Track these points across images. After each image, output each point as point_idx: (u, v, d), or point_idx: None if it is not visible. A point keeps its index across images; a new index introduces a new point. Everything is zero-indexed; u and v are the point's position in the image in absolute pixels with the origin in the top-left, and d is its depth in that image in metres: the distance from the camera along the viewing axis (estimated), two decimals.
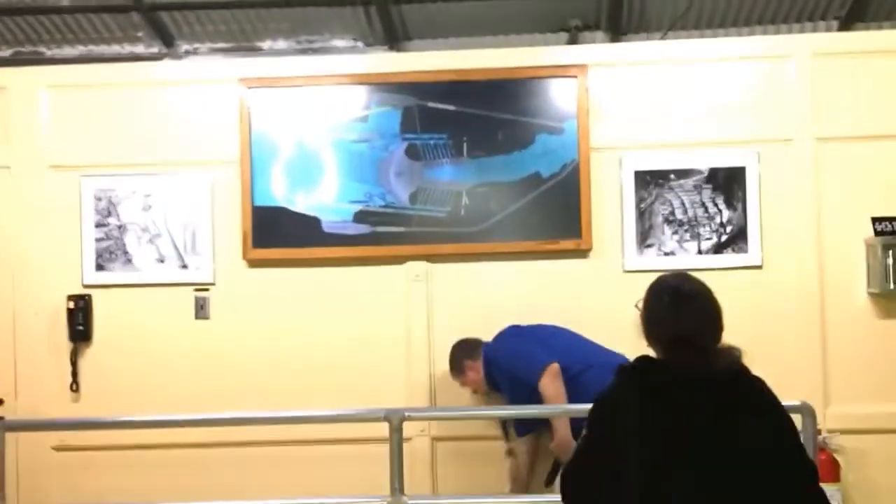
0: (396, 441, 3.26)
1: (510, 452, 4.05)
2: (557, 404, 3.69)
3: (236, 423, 3.86)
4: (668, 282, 2.25)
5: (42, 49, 5.43)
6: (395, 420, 3.27)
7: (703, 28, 5.35)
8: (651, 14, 5.27)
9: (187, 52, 5.54)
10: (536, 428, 3.96)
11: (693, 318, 2.15)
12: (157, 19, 5.26)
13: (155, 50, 5.55)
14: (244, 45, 5.49)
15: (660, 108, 4.33)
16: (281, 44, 5.53)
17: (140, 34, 5.43)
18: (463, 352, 4.07)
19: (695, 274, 2.30)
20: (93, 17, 5.21)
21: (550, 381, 3.70)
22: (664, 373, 2.13)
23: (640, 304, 2.24)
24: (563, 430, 3.69)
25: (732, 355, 2.14)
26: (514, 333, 4.03)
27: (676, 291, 2.20)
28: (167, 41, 5.47)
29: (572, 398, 3.65)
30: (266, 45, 5.52)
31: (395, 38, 5.46)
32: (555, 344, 3.89)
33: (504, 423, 4.10)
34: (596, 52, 4.47)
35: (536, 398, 3.74)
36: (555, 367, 3.73)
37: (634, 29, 5.42)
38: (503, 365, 3.90)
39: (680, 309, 2.17)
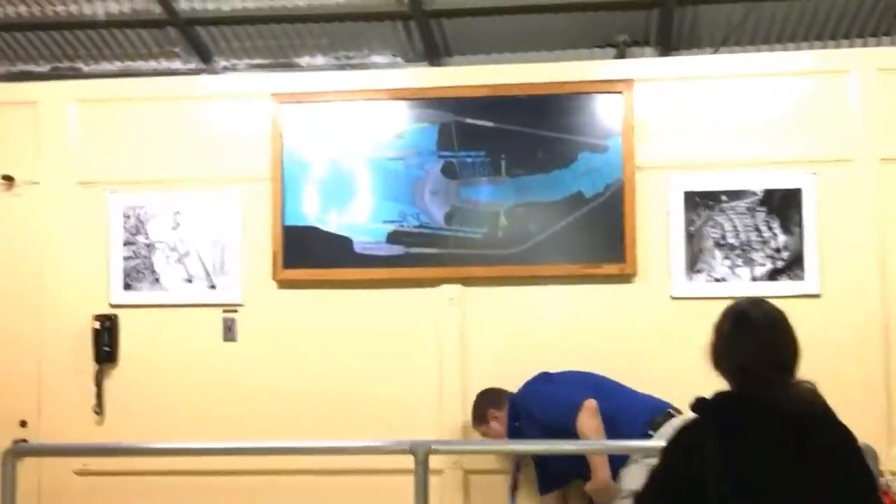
0: (422, 474, 3.06)
1: (515, 488, 3.87)
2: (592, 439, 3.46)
3: (258, 453, 3.68)
4: (737, 307, 2.12)
5: (80, 65, 5.35)
6: (421, 453, 3.06)
7: (759, 43, 5.09)
8: (703, 29, 5.03)
9: (225, 69, 5.43)
10: (564, 484, 3.76)
11: (757, 347, 2.02)
12: (194, 35, 5.16)
13: (192, 66, 5.44)
14: (282, 60, 5.37)
15: (710, 126, 4.10)
16: (319, 59, 5.39)
17: (177, 50, 5.34)
18: (488, 400, 3.86)
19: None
20: (129, 33, 5.13)
21: (589, 418, 3.49)
22: (742, 407, 2.00)
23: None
24: (601, 471, 3.45)
25: (810, 390, 2.00)
26: (544, 380, 3.81)
27: (741, 317, 2.08)
28: (205, 57, 5.37)
29: (612, 437, 3.46)
30: (304, 60, 5.39)
31: (435, 54, 5.29)
32: (586, 383, 3.69)
33: (517, 465, 3.90)
34: (642, 67, 4.25)
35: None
36: (592, 403, 3.51)
37: (685, 45, 5.18)
38: (536, 414, 3.67)
39: (743, 336, 2.05)
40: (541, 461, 3.81)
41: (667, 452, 2.09)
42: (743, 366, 2.02)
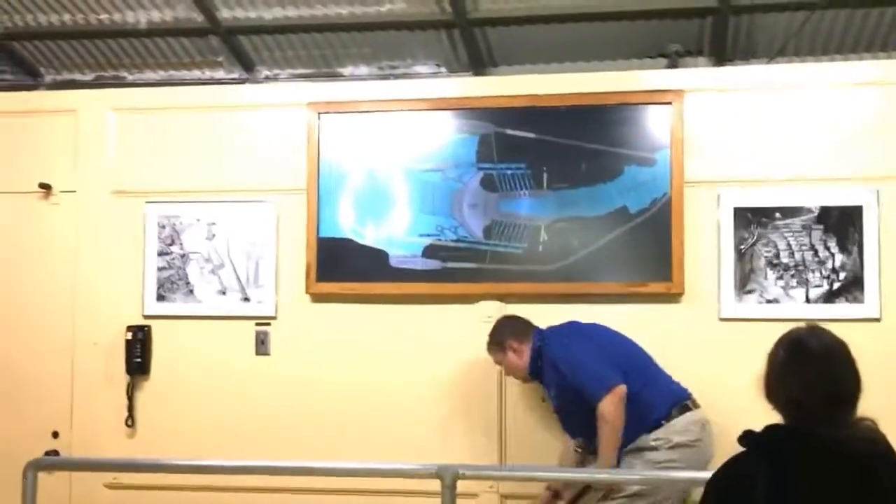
0: (449, 500, 2.89)
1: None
2: (614, 427, 3.38)
3: (284, 473, 3.56)
4: (792, 334, 1.94)
5: (123, 73, 5.35)
6: (448, 477, 2.90)
7: (818, 54, 4.86)
8: (758, 38, 4.82)
9: (267, 78, 5.38)
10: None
11: (814, 379, 1.85)
12: (237, 44, 5.11)
13: (235, 75, 5.41)
14: (325, 70, 5.30)
15: (764, 139, 3.88)
16: (362, 69, 5.31)
17: (220, 59, 5.30)
18: (510, 329, 3.68)
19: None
20: (172, 41, 5.11)
21: (614, 405, 3.37)
22: (796, 444, 1.83)
23: None
24: (608, 458, 3.39)
25: (871, 427, 1.84)
26: (575, 332, 3.65)
27: (797, 346, 1.91)
28: (247, 66, 5.32)
29: (627, 416, 3.39)
30: (347, 70, 5.32)
31: (480, 64, 5.17)
32: (618, 356, 3.55)
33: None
34: (693, 77, 4.05)
35: (585, 408, 3.44)
36: (622, 390, 3.39)
37: (740, 55, 4.98)
38: (563, 370, 3.52)
39: (798, 367, 1.88)
40: (561, 410, 3.68)
41: (712, 490, 1.93)
42: (798, 399, 1.85)
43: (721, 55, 4.94)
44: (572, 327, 3.68)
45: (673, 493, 3.42)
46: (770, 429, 1.88)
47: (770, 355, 1.95)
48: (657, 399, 3.47)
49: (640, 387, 3.45)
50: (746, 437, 1.89)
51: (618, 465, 3.40)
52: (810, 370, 1.86)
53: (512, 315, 3.77)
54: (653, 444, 3.42)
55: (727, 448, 2.03)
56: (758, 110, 3.91)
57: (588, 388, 3.43)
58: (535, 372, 3.63)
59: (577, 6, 4.69)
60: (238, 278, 4.15)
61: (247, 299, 4.14)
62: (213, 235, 4.17)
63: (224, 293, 4.15)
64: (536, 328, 3.67)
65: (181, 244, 4.19)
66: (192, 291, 4.18)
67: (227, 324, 4.15)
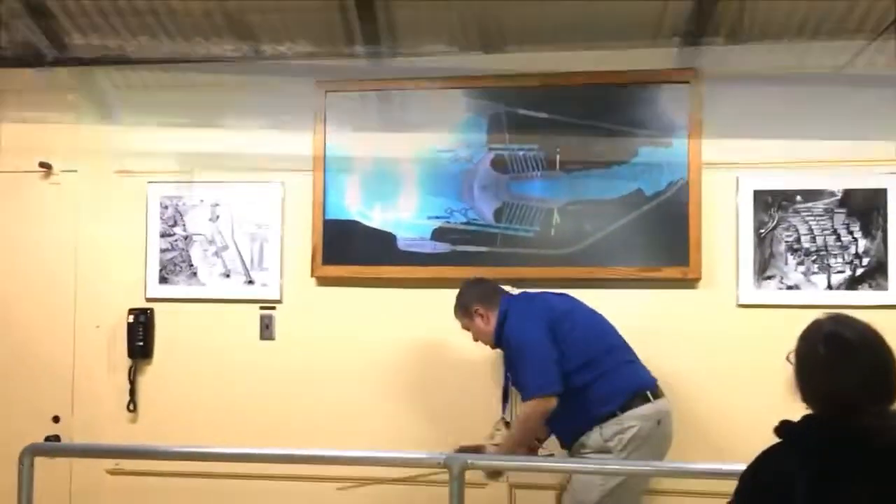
0: (457, 490, 2.78)
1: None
2: (526, 428, 3.32)
3: (289, 461, 3.43)
4: (826, 327, 1.85)
5: (128, 48, 5.21)
6: (456, 467, 2.78)
7: (842, 35, 4.69)
8: (775, 19, 4.66)
9: (272, 56, 5.24)
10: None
11: (858, 373, 1.78)
12: (240, 17, 4.97)
13: (241, 53, 5.27)
14: (328, 49, 5.16)
15: (785, 121, 3.73)
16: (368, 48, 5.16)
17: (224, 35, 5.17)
18: (476, 293, 3.50)
19: (825, 313, 1.93)
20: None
21: (536, 413, 3.23)
22: (836, 438, 1.75)
23: (792, 357, 1.88)
24: (509, 448, 3.35)
25: None
26: (539, 309, 3.40)
27: (836, 340, 1.81)
28: (253, 41, 5.18)
29: (572, 406, 3.22)
30: (353, 49, 5.18)
31: (490, 44, 5.01)
32: (577, 345, 3.31)
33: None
34: (712, 56, 3.87)
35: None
36: (551, 403, 3.19)
37: (757, 37, 4.81)
38: (511, 349, 3.38)
39: (841, 362, 1.80)
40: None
41: (748, 482, 1.84)
42: (845, 393, 1.77)
43: (736, 37, 4.78)
44: (537, 302, 3.45)
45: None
46: (809, 421, 1.80)
47: (804, 352, 1.85)
48: (612, 390, 3.24)
49: (594, 377, 3.25)
50: (783, 428, 1.79)
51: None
52: (856, 363, 1.76)
53: (480, 278, 3.58)
54: (604, 444, 3.21)
55: (750, 438, 1.90)
56: (779, 91, 3.75)
57: (521, 381, 3.31)
58: (498, 341, 3.44)
59: None
60: (242, 261, 4.03)
61: (251, 282, 4.03)
62: (217, 217, 4.06)
63: (228, 276, 4.04)
64: (506, 294, 3.51)
65: (184, 225, 4.07)
66: (195, 274, 4.06)
67: (231, 307, 4.04)
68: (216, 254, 4.04)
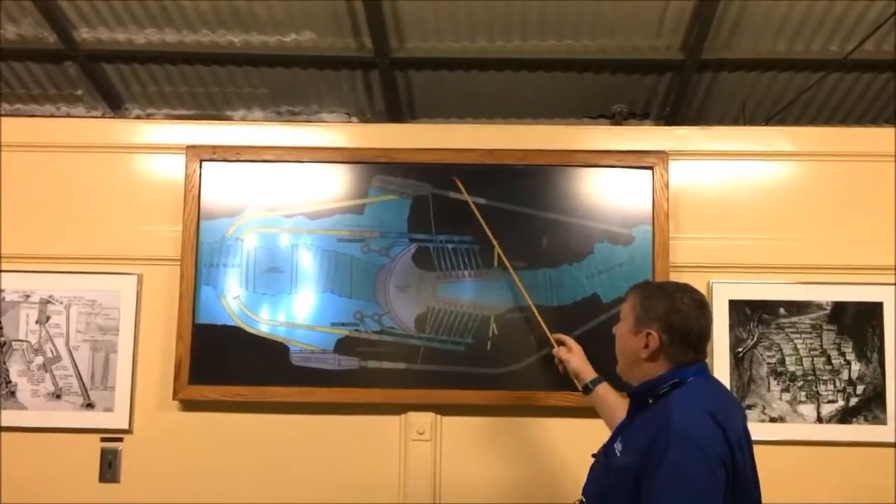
0: None
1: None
2: None
3: None
4: None
5: None
6: None
7: (803, 120, 4.06)
8: (721, 100, 3.97)
9: (139, 118, 4.14)
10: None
11: None
12: (99, 73, 3.86)
13: (98, 113, 4.14)
14: (210, 112, 4.12)
15: (766, 217, 2.97)
16: (257, 114, 4.16)
17: (79, 92, 4.03)
18: (675, 322, 2.00)
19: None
20: (16, 66, 3.80)
21: None
22: None
23: None
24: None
25: None
26: (716, 438, 1.85)
27: None
28: (113, 103, 4.07)
29: None
30: (238, 114, 4.15)
31: (398, 115, 4.10)
32: None
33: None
34: (681, 137, 3.06)
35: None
36: None
37: (693, 119, 4.12)
38: (652, 455, 1.83)
39: None
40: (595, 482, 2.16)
41: None
42: None
43: (673, 118, 4.07)
44: (719, 414, 1.89)
45: None
46: None
47: None
48: None
49: None
50: None
51: None
52: None
53: (699, 301, 2.05)
54: None
55: None
56: (758, 181, 2.99)
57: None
58: (638, 396, 2.05)
59: (521, 51, 3.71)
60: (79, 377, 2.88)
61: (90, 405, 2.87)
62: (48, 318, 2.89)
63: (58, 397, 2.87)
64: (701, 361, 2.06)
65: (0, 328, 2.87)
66: (13, 393, 2.87)
67: (60, 439, 2.87)
68: (44, 367, 2.87)
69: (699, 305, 2.02)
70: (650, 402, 1.96)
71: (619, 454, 1.94)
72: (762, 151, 2.99)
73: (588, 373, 2.51)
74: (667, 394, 1.93)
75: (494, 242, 2.85)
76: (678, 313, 1.99)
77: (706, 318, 2.03)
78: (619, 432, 2.04)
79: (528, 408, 2.84)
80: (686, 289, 2.07)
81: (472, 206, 2.85)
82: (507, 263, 2.83)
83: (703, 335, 2.01)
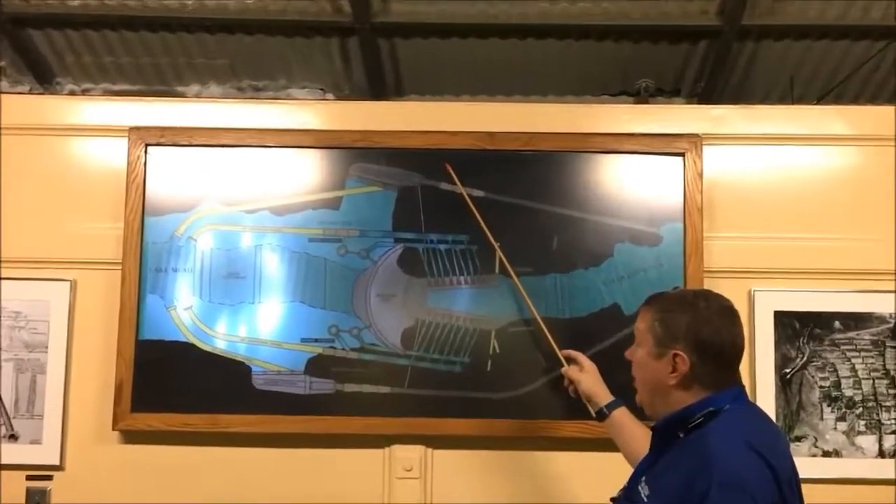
0: None
1: None
2: None
3: None
4: None
5: None
6: None
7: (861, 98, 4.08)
8: (762, 75, 3.98)
9: (73, 93, 4.14)
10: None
11: None
12: (25, 40, 3.86)
13: (24, 88, 4.15)
14: (157, 88, 4.11)
15: (818, 213, 3.00)
16: (213, 90, 4.15)
17: (1, 63, 4.03)
18: (703, 340, 1.97)
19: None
20: None
21: None
22: None
23: None
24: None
25: None
26: (763, 475, 1.83)
27: None
28: (42, 77, 4.08)
29: None
30: (191, 89, 4.15)
31: (381, 91, 4.10)
32: None
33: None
34: (717, 118, 3.08)
35: None
36: None
37: (731, 96, 4.14)
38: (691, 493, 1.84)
39: None
40: None
41: None
42: None
43: (708, 95, 4.08)
44: (768, 452, 1.87)
45: None
46: None
47: None
48: None
49: None
50: None
51: None
52: None
53: (727, 308, 2.05)
54: None
55: None
56: (808, 170, 3.02)
57: None
58: (664, 431, 2.02)
59: (527, 15, 3.71)
60: (1, 404, 2.87)
61: (13, 437, 2.90)
62: None
63: None
64: (738, 384, 2.04)
65: None
66: None
67: None
68: None
69: (728, 313, 2.01)
70: (680, 435, 1.94)
71: (645, 498, 1.93)
72: (813, 135, 3.04)
73: (603, 396, 2.51)
74: (700, 425, 1.92)
75: (494, 243, 2.89)
76: (708, 325, 1.97)
77: (738, 327, 2.01)
78: (642, 471, 2.03)
79: (535, 439, 2.88)
80: (708, 295, 2.06)
81: (468, 200, 2.90)
82: (509, 268, 2.86)
83: (738, 349, 2.00)
